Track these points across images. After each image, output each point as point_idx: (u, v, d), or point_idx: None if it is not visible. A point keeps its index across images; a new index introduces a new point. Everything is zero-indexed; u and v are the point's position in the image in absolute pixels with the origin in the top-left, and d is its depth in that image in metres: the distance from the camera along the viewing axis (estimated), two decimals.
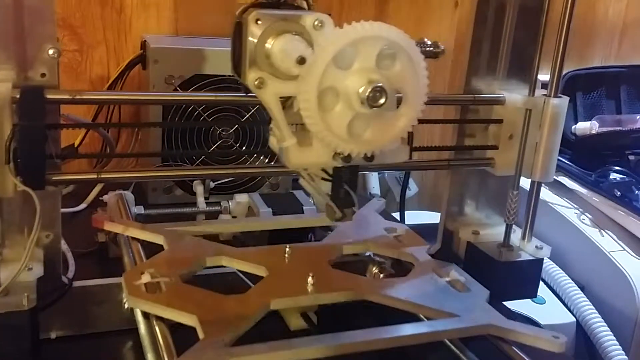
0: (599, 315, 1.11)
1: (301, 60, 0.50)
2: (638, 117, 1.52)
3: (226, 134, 1.09)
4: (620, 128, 1.50)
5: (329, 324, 0.67)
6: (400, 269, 0.77)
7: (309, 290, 0.66)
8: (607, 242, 1.19)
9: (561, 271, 1.19)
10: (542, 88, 0.80)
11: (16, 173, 0.62)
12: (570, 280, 1.17)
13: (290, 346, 0.57)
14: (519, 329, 0.63)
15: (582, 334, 1.12)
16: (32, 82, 0.64)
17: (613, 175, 1.30)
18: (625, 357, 1.07)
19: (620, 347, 1.07)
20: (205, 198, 0.99)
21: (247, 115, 1.07)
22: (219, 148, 1.09)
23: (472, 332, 0.63)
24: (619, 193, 1.26)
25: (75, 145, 1.10)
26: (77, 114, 1.02)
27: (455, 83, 0.85)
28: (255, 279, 0.70)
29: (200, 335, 0.57)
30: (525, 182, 0.81)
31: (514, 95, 0.82)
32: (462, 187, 0.88)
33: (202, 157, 1.09)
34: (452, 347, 0.66)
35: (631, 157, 1.43)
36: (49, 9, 0.64)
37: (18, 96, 0.61)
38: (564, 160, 1.38)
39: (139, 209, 0.92)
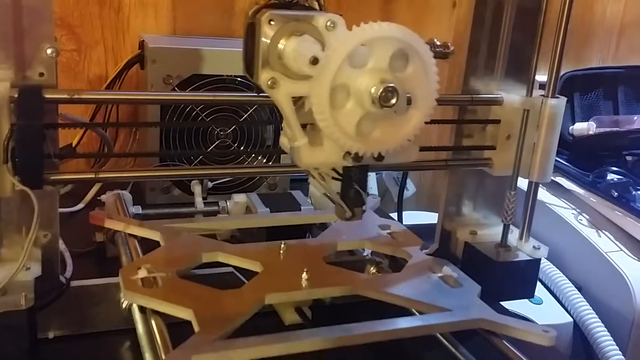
0: (596, 316, 1.12)
1: (314, 61, 0.51)
2: (635, 117, 1.52)
3: (224, 134, 1.09)
4: (617, 129, 1.50)
5: (323, 319, 0.67)
6: (394, 265, 0.78)
7: (303, 285, 0.67)
8: (605, 243, 1.19)
9: (558, 271, 1.19)
10: (539, 89, 0.80)
11: (14, 172, 0.62)
12: (568, 281, 1.17)
13: (284, 339, 0.57)
14: (510, 323, 0.65)
15: (579, 334, 1.12)
16: (30, 81, 0.64)
17: (610, 176, 1.30)
18: (622, 357, 1.07)
19: (617, 347, 1.08)
20: (203, 198, 0.99)
21: (245, 116, 1.08)
22: (217, 148, 1.09)
23: (464, 325, 0.64)
24: (616, 194, 1.26)
25: (73, 145, 1.10)
26: (75, 114, 1.02)
27: (453, 83, 0.85)
28: (250, 277, 0.70)
29: (196, 328, 0.58)
30: (522, 183, 0.81)
31: (512, 95, 0.82)
32: (459, 187, 0.88)
33: (200, 157, 1.09)
34: (446, 342, 0.67)
35: (628, 158, 1.43)
36: (48, 8, 0.64)
37: (16, 95, 0.61)
38: (561, 160, 1.38)
39: (137, 209, 0.92)
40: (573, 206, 1.28)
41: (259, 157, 1.12)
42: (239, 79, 1.06)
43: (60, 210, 0.70)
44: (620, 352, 1.07)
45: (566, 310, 1.14)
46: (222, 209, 0.95)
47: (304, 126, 0.56)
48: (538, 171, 0.79)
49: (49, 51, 0.64)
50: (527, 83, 0.81)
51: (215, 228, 0.84)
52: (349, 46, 0.50)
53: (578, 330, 1.12)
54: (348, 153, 0.55)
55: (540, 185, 0.82)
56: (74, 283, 0.71)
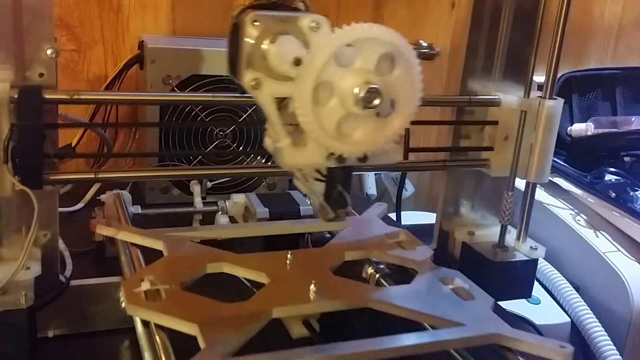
0: (593, 316, 1.12)
1: (297, 61, 0.51)
2: (633, 118, 1.53)
3: (223, 134, 1.09)
4: (615, 130, 1.50)
5: (332, 332, 0.65)
6: (403, 275, 0.75)
7: (312, 297, 0.64)
8: (602, 243, 1.19)
9: (556, 272, 1.19)
10: (538, 90, 0.80)
11: (14, 172, 0.62)
12: (565, 281, 1.17)
13: (292, 356, 0.55)
14: (524, 338, 0.61)
15: (576, 334, 1.12)
16: (30, 82, 0.64)
17: (608, 177, 1.31)
18: (620, 357, 1.07)
19: (614, 348, 1.08)
20: (202, 198, 0.99)
21: (244, 116, 1.08)
22: (216, 148, 1.09)
23: (478, 341, 0.61)
24: (614, 194, 1.26)
25: (73, 145, 1.10)
26: (75, 114, 1.02)
27: (452, 84, 0.85)
28: (256, 282, 0.69)
29: (202, 344, 0.56)
30: (520, 183, 0.82)
31: (510, 96, 0.82)
32: (457, 187, 0.88)
33: (200, 157, 1.09)
34: (458, 356, 0.64)
35: (626, 159, 1.43)
36: (48, 9, 0.64)
37: (16, 96, 0.61)
38: (559, 161, 1.38)
39: (136, 209, 0.92)
40: (571, 206, 1.29)
41: (258, 158, 1.12)
42: None
43: (60, 209, 0.70)
44: (617, 352, 1.07)
45: (564, 310, 1.15)
46: (221, 209, 0.95)
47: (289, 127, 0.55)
48: (535, 172, 0.80)
49: (48, 52, 0.64)
50: (525, 84, 0.81)
51: (217, 236, 0.81)
52: (335, 44, 0.50)
53: (575, 331, 1.12)
54: (332, 154, 0.54)
55: (538, 185, 0.82)
56: (74, 282, 0.71)
